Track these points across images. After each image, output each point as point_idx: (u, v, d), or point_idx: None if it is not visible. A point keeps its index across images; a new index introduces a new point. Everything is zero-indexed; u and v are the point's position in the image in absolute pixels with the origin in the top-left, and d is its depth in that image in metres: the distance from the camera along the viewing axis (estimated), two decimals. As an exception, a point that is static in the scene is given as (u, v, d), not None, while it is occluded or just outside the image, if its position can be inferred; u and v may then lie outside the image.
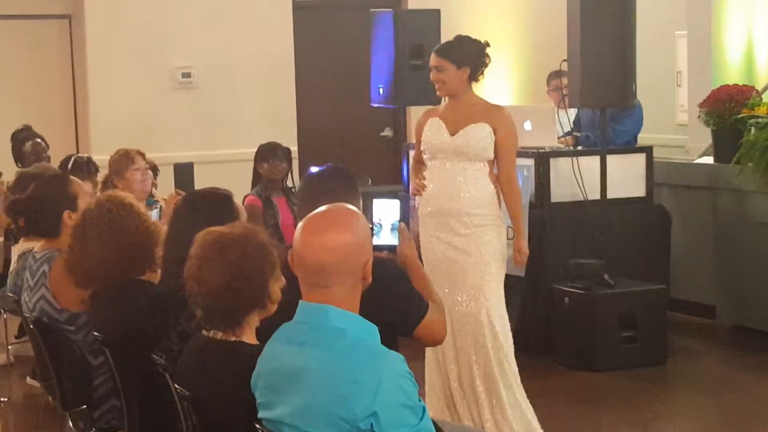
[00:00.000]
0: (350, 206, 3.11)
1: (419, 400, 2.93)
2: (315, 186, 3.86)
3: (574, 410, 6.79)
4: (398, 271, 3.70)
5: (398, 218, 3.79)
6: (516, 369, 5.94)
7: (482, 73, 6.00)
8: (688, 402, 7.05)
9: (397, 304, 3.60)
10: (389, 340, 3.36)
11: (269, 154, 7.78)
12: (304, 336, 2.96)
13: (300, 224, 3.03)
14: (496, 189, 5.99)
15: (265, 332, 3.17)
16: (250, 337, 3.25)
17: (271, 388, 2.98)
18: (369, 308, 3.03)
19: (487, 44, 6.02)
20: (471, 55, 5.95)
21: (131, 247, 4.17)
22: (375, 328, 3.00)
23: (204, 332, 3.27)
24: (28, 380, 7.18)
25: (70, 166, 7.48)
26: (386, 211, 3.79)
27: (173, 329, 3.61)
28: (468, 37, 6.06)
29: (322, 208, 3.05)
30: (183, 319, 3.58)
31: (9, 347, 7.51)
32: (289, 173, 7.85)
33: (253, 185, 7.77)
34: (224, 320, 3.22)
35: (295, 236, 3.01)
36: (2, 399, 6.96)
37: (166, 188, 7.64)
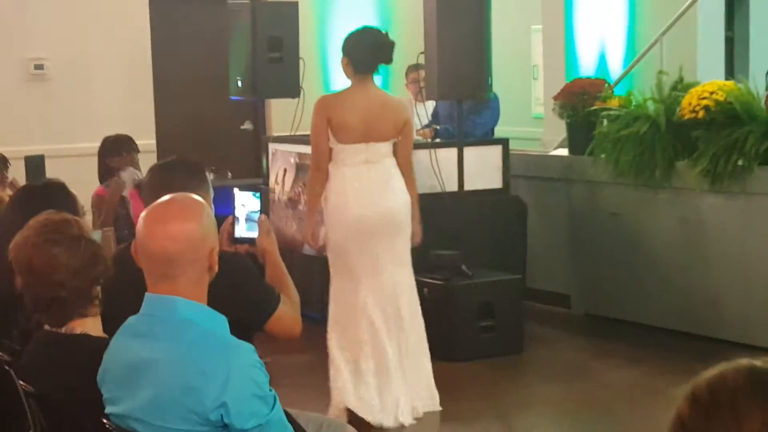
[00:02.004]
0: (194, 195, 3.08)
1: (270, 390, 2.91)
2: (161, 177, 3.82)
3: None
4: (246, 264, 3.68)
5: (258, 210, 3.77)
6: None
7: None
8: (545, 389, 7.17)
9: (245, 297, 3.58)
10: (242, 334, 3.34)
11: (120, 146, 7.70)
12: (152, 328, 2.92)
13: (143, 214, 2.99)
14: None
15: (112, 325, 3.12)
16: (96, 321, 3.20)
17: (118, 382, 2.94)
18: (217, 302, 3.00)
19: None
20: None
21: None
22: (224, 319, 2.98)
23: (47, 327, 3.21)
24: None
25: None
26: (247, 203, 3.77)
27: (14, 328, 3.53)
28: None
29: (165, 197, 3.01)
30: (22, 318, 3.50)
31: None
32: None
33: (102, 179, 7.66)
34: (85, 298, 3.17)
35: (138, 227, 2.97)
36: None
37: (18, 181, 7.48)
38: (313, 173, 6.34)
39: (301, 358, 7.69)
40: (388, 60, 6.33)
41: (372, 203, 6.21)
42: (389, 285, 6.31)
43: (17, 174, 7.71)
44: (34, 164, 7.62)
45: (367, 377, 6.20)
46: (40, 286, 3.17)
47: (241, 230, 3.80)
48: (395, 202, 6.29)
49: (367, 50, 6.24)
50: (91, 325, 3.19)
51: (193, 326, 2.90)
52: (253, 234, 3.78)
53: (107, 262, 3.23)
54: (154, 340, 2.90)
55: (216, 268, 2.98)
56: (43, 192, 3.95)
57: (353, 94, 6.29)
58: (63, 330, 3.17)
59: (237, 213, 3.80)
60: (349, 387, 6.20)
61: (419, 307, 6.48)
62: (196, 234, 2.93)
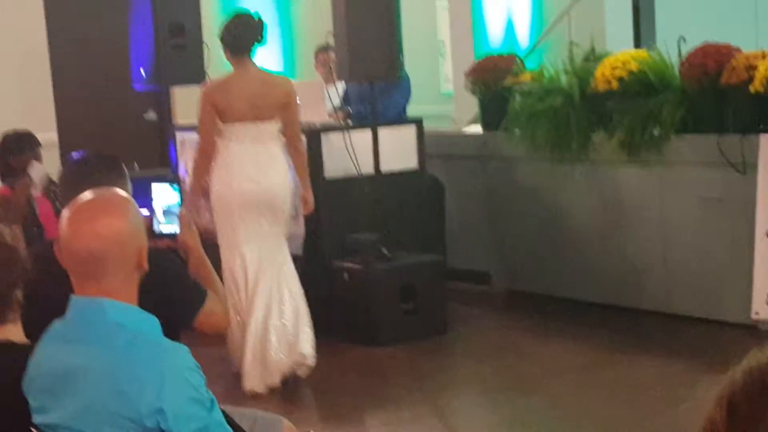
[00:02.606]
0: (119, 190, 2.92)
1: (207, 392, 2.76)
2: (78, 172, 3.65)
3: (361, 386, 6.73)
4: (171, 260, 3.55)
5: (178, 203, 3.61)
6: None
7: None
8: (471, 369, 7.10)
9: (172, 295, 3.46)
10: (170, 333, 3.18)
11: (22, 143, 7.45)
12: (79, 333, 2.74)
13: (66, 212, 2.80)
14: None
15: (34, 329, 2.94)
16: (17, 326, 3.00)
17: (45, 391, 2.75)
18: (144, 301, 2.85)
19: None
20: None
21: None
22: (156, 320, 2.81)
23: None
24: None
25: None
26: (164, 196, 3.61)
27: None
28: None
29: (89, 194, 2.83)
30: None
31: None
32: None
33: (3, 177, 7.39)
34: (3, 303, 2.96)
35: (61, 226, 2.78)
36: None
37: None
38: (200, 161, 6.69)
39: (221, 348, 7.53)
40: (259, 39, 6.71)
41: (256, 179, 6.55)
42: (267, 256, 6.65)
43: None
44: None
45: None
46: None
47: (160, 225, 3.63)
48: (277, 182, 6.63)
49: (237, 33, 6.66)
50: (13, 331, 3.00)
51: (124, 329, 2.73)
52: (174, 228, 3.62)
53: (24, 264, 3.03)
54: (82, 345, 2.72)
55: (146, 266, 2.81)
56: None
57: (235, 78, 6.67)
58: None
59: (156, 206, 3.64)
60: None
61: (297, 280, 6.83)
62: (123, 231, 2.75)
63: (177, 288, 3.51)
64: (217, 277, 3.78)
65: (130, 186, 3.63)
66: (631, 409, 5.98)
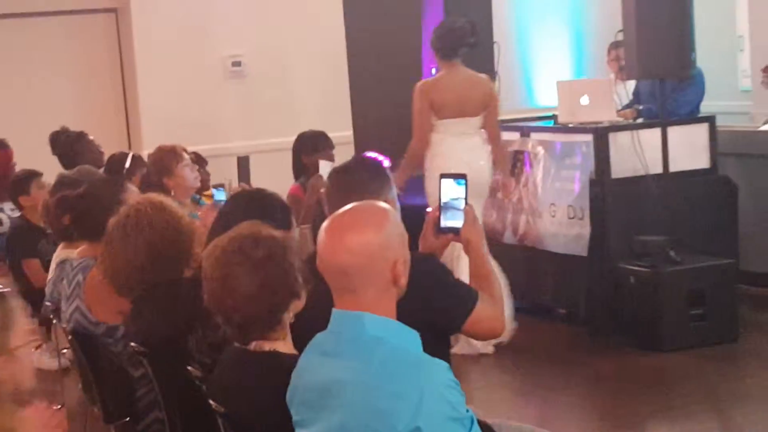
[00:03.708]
0: (380, 203, 2.92)
1: (467, 411, 2.74)
2: (341, 180, 3.69)
3: (643, 393, 6.56)
4: (435, 264, 3.49)
5: (463, 198, 3.57)
6: None
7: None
8: (763, 379, 6.77)
9: (437, 301, 3.38)
10: (436, 342, 3.17)
11: (319, 143, 7.63)
12: (340, 347, 2.77)
13: (323, 225, 2.84)
14: None
15: (301, 338, 3.00)
16: (286, 342, 3.08)
17: (306, 404, 2.81)
18: (407, 309, 2.84)
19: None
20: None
21: (163, 246, 4.01)
22: (416, 335, 2.81)
23: (236, 344, 3.11)
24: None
25: (128, 163, 7.36)
26: (450, 190, 3.58)
27: (204, 340, 3.45)
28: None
29: (347, 206, 2.86)
30: (209, 328, 3.41)
31: (64, 351, 7.41)
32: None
33: (297, 176, 7.61)
34: (263, 324, 3.06)
35: (319, 239, 2.83)
36: (56, 406, 6.84)
37: (220, 180, 7.55)
38: (418, 144, 7.48)
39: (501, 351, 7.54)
40: (466, 44, 7.46)
41: (465, 164, 6.95)
42: None
43: (221, 172, 7.74)
44: (242, 164, 7.72)
45: None
46: (218, 303, 3.07)
47: (445, 219, 3.60)
48: (479, 168, 7.35)
49: (443, 40, 7.48)
50: (280, 344, 3.08)
51: (383, 344, 2.74)
52: (457, 223, 3.58)
53: (294, 290, 3.08)
54: (342, 360, 2.75)
55: (404, 280, 2.80)
56: (259, 201, 3.84)
57: (444, 78, 7.50)
58: (252, 347, 3.07)
59: (444, 199, 3.61)
60: None
61: None
62: (374, 246, 2.75)
63: (442, 293, 3.43)
64: (496, 277, 3.66)
65: (393, 192, 3.64)
66: None
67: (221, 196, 6.93)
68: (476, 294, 3.51)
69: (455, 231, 3.56)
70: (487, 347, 7.29)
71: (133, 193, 4.85)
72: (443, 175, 3.64)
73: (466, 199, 3.57)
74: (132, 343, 3.85)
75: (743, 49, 10.87)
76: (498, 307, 3.61)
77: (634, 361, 7.13)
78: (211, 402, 3.09)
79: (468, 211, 3.58)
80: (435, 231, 3.61)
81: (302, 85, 10.37)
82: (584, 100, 7.85)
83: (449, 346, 3.65)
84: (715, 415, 6.31)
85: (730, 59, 10.98)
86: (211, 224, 3.96)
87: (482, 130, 7.47)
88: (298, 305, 3.12)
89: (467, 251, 3.62)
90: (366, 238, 2.76)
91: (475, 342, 7.10)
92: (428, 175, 7.43)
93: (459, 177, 3.61)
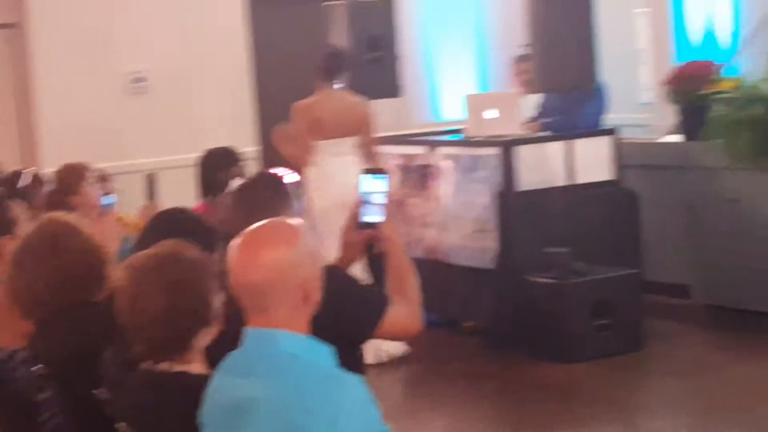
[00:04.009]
0: (290, 220, 2.91)
1: (383, 425, 2.73)
2: (243, 198, 3.69)
3: (550, 403, 6.62)
4: (343, 274, 3.48)
5: (384, 193, 3.56)
6: None
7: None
8: (668, 389, 6.87)
9: (347, 314, 3.35)
10: (350, 353, 3.16)
11: (231, 159, 7.58)
12: (253, 365, 2.75)
13: (232, 243, 2.82)
14: None
15: (215, 357, 2.96)
16: (199, 363, 3.04)
17: (220, 424, 2.77)
18: (317, 325, 2.82)
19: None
20: None
21: (71, 266, 3.92)
22: (329, 350, 2.79)
23: (144, 364, 3.05)
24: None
25: (24, 182, 7.21)
26: (369, 186, 3.57)
27: (119, 356, 3.39)
28: None
29: (259, 223, 2.84)
30: (124, 346, 3.35)
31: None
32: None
33: (205, 194, 7.55)
34: (170, 347, 3.01)
35: (229, 255, 2.80)
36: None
37: (130, 198, 7.43)
38: (295, 163, 7.53)
39: (417, 363, 7.56)
40: (346, 68, 7.91)
41: (341, 184, 7.31)
42: None
43: (135, 190, 7.62)
44: (151, 181, 7.61)
45: None
46: (128, 320, 3.03)
47: (363, 214, 3.59)
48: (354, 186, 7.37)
49: (325, 62, 7.92)
50: (197, 358, 3.03)
51: (297, 360, 2.72)
52: (376, 218, 3.55)
53: (204, 317, 3.02)
54: (255, 378, 2.72)
55: (316, 297, 2.79)
56: (179, 220, 3.77)
57: (322, 100, 7.85)
58: (161, 367, 3.02)
59: (363, 191, 3.59)
60: None
61: None
62: (286, 262, 2.74)
63: (349, 305, 3.39)
64: (413, 275, 3.62)
65: (295, 205, 3.64)
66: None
67: (110, 200, 6.75)
68: (386, 298, 3.49)
69: (374, 226, 3.55)
70: (398, 349, 7.32)
71: (24, 215, 4.74)
72: (364, 170, 3.65)
73: (386, 194, 3.56)
74: (37, 366, 3.76)
75: (643, 62, 11.05)
76: (413, 306, 3.58)
77: (542, 372, 7.20)
78: (119, 425, 3.04)
79: (388, 207, 3.56)
80: (357, 226, 3.60)
81: (206, 101, 10.29)
82: (491, 114, 7.92)
83: (362, 356, 3.64)
84: (620, 425, 6.38)
85: (631, 73, 11.15)
86: (136, 241, 3.89)
87: (360, 149, 7.79)
88: (210, 332, 3.07)
89: (386, 248, 3.58)
90: (279, 254, 2.74)
91: (384, 346, 7.15)
92: (308, 195, 7.52)
93: (378, 172, 3.62)
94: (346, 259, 3.67)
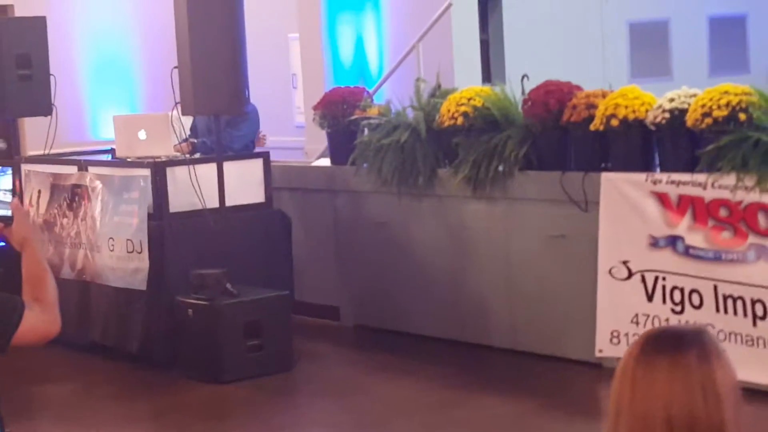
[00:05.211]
0: None
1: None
2: None
3: (204, 426, 6.62)
4: None
5: (11, 190, 3.41)
6: None
7: None
8: (316, 408, 7.02)
9: None
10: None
11: None
12: None
13: None
14: None
15: None
16: None
17: None
18: None
19: None
20: None
21: None
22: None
23: None
24: None
25: None
26: None
27: None
28: None
29: None
30: None
31: None
32: None
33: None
34: None
35: None
36: None
37: None
38: None
39: (65, 387, 7.37)
40: None
41: None
42: None
43: None
44: None
45: None
46: None
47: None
48: None
49: None
50: None
51: None
52: (5, 212, 3.39)
53: None
54: None
55: None
56: None
57: None
58: None
59: None
60: None
61: None
62: None
63: None
64: (50, 276, 3.38)
65: None
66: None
67: None
68: (21, 305, 3.28)
69: (7, 221, 3.37)
70: None
71: None
72: None
73: (13, 191, 3.43)
74: None
75: (296, 86, 11.27)
76: (51, 311, 3.36)
77: (195, 393, 7.19)
78: None
79: (17, 206, 3.39)
80: None
81: None
82: (142, 135, 7.86)
83: None
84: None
85: (287, 96, 11.34)
86: None
87: None
88: None
89: (21, 249, 3.37)
90: None
91: None
92: None
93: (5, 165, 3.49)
94: None
